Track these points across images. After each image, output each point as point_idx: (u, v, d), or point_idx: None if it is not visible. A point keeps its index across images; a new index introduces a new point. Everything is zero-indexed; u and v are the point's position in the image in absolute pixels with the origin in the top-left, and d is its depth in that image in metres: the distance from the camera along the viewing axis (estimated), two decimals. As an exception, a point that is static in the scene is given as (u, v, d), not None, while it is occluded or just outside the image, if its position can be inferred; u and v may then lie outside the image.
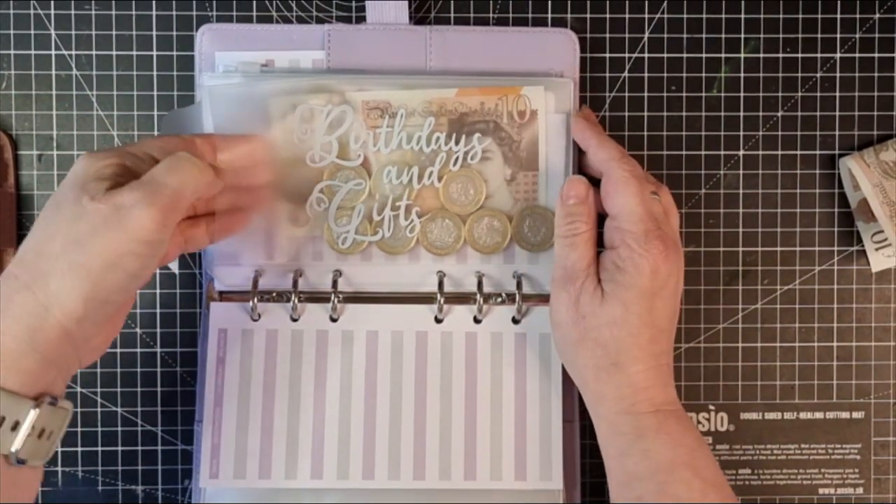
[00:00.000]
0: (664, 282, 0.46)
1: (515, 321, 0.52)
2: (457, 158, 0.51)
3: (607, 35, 0.54)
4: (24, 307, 0.38)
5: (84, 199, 0.39)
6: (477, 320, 0.51)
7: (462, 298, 0.52)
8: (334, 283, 0.51)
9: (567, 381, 0.52)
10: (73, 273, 0.38)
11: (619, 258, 0.46)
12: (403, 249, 0.51)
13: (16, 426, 0.38)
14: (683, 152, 0.54)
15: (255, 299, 0.50)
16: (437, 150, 0.51)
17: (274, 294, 0.51)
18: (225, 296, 0.52)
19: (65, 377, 0.41)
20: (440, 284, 0.51)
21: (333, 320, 0.51)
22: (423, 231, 0.51)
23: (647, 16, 0.54)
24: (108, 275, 0.39)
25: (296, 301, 0.51)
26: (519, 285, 0.51)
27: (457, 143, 0.51)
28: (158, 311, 0.53)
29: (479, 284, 0.51)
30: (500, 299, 0.52)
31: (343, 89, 0.50)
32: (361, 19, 0.53)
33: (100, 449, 0.53)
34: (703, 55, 0.54)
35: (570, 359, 0.48)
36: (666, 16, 0.54)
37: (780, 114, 0.54)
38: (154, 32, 0.53)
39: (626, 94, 0.54)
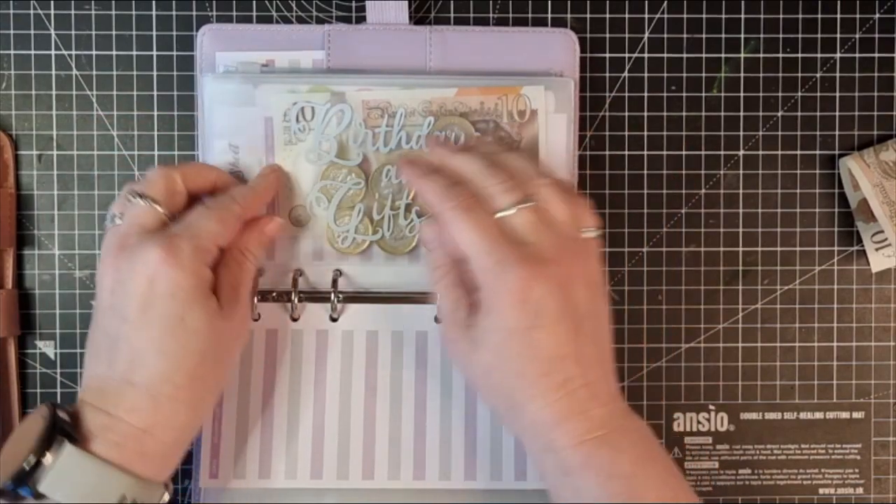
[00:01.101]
0: (537, 307, 0.42)
1: (515, 321, 0.51)
2: None
3: (607, 35, 0.54)
4: (190, 423, 0.44)
5: (216, 322, 0.44)
6: (477, 320, 0.51)
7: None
8: (334, 283, 0.51)
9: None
10: (218, 390, 0.47)
11: (481, 301, 0.43)
12: (404, 249, 0.51)
13: None
14: (683, 152, 0.54)
15: (256, 299, 0.50)
16: None
17: (274, 294, 0.51)
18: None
19: None
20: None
21: (333, 320, 0.51)
22: (424, 230, 0.51)
23: (646, 16, 0.54)
24: (229, 371, 0.48)
25: (295, 301, 0.51)
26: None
27: (456, 143, 0.50)
28: (158, 310, 0.53)
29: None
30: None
31: (343, 90, 0.50)
32: (361, 19, 0.53)
33: (100, 449, 0.53)
34: (703, 55, 0.54)
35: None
36: (666, 16, 0.54)
37: (779, 114, 0.54)
38: (154, 32, 0.53)
39: (626, 94, 0.54)
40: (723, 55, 0.54)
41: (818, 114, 0.54)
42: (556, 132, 0.51)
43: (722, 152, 0.54)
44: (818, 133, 0.54)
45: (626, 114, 0.54)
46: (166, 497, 0.43)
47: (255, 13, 0.53)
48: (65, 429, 0.40)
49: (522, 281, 0.42)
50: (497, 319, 0.42)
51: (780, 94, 0.54)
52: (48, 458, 0.39)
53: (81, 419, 0.41)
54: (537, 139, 0.51)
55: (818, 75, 0.54)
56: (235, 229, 0.46)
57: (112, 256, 0.44)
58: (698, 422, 0.55)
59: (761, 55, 0.54)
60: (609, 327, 0.46)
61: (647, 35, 0.54)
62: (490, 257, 0.42)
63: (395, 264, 0.52)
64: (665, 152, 0.54)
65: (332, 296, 0.51)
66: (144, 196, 0.45)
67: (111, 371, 0.42)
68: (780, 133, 0.54)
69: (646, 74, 0.54)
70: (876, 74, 0.54)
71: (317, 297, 0.51)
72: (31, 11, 0.53)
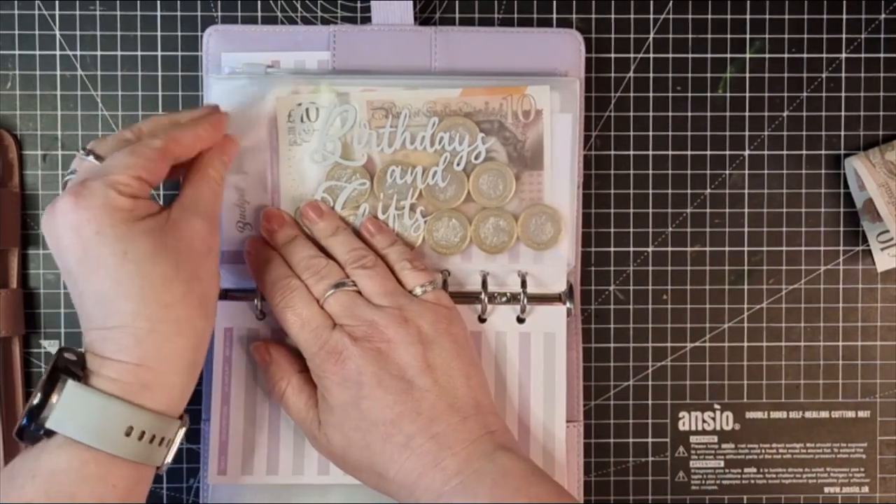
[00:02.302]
0: (357, 380, 0.45)
1: (520, 320, 0.51)
2: (461, 158, 0.50)
3: (612, 35, 0.54)
4: (184, 350, 0.42)
5: (168, 242, 0.42)
6: (481, 319, 0.51)
7: (466, 298, 0.52)
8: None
9: (571, 381, 0.52)
10: (204, 302, 0.44)
11: (319, 390, 0.47)
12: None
13: (168, 443, 0.43)
14: (689, 152, 0.54)
15: (261, 297, 0.50)
16: (441, 150, 0.50)
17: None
18: (230, 294, 0.52)
19: None
20: (444, 284, 0.51)
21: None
22: (429, 230, 0.51)
23: (652, 16, 0.54)
24: (216, 286, 0.45)
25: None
26: (523, 284, 0.51)
27: (460, 143, 0.50)
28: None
29: (484, 283, 0.51)
30: (504, 298, 0.52)
31: (347, 90, 0.50)
32: (366, 20, 0.53)
33: (105, 449, 0.53)
34: (709, 55, 0.54)
35: None
36: (671, 16, 0.54)
37: (785, 114, 0.54)
38: (159, 33, 0.53)
39: (632, 95, 0.54)
40: (728, 55, 0.54)
41: (823, 114, 0.54)
42: (562, 132, 0.51)
43: (727, 152, 0.54)
44: (823, 133, 0.54)
45: (632, 114, 0.54)
46: (182, 430, 0.44)
47: (259, 13, 0.53)
48: (69, 368, 0.41)
49: (336, 363, 0.46)
50: (330, 400, 0.46)
51: (785, 94, 0.54)
52: (55, 397, 0.40)
53: (85, 361, 0.42)
54: (542, 139, 0.51)
55: (824, 75, 0.54)
56: (157, 162, 0.43)
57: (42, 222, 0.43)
58: (703, 421, 0.55)
59: (767, 55, 0.54)
60: (469, 370, 0.47)
61: (652, 35, 0.54)
62: (307, 350, 0.47)
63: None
64: (670, 152, 0.54)
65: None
66: (91, 152, 0.44)
67: (91, 325, 0.42)
68: (785, 133, 0.54)
69: (651, 75, 0.54)
70: (881, 75, 0.54)
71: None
72: (36, 12, 0.53)
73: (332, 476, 0.50)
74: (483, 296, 0.51)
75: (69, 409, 0.40)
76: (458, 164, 0.51)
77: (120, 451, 0.40)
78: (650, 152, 0.54)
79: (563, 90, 0.51)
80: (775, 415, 0.55)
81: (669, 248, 0.54)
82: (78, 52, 0.53)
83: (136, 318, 0.41)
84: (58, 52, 0.53)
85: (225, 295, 0.51)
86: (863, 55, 0.54)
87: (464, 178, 0.51)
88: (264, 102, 0.50)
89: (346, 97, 0.50)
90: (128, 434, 0.40)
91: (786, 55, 0.54)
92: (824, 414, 0.55)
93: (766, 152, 0.54)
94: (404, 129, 0.50)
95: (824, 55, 0.54)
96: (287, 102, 0.50)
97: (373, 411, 0.45)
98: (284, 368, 0.49)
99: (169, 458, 0.44)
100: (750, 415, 0.55)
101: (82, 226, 0.41)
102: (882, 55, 0.54)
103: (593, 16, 0.54)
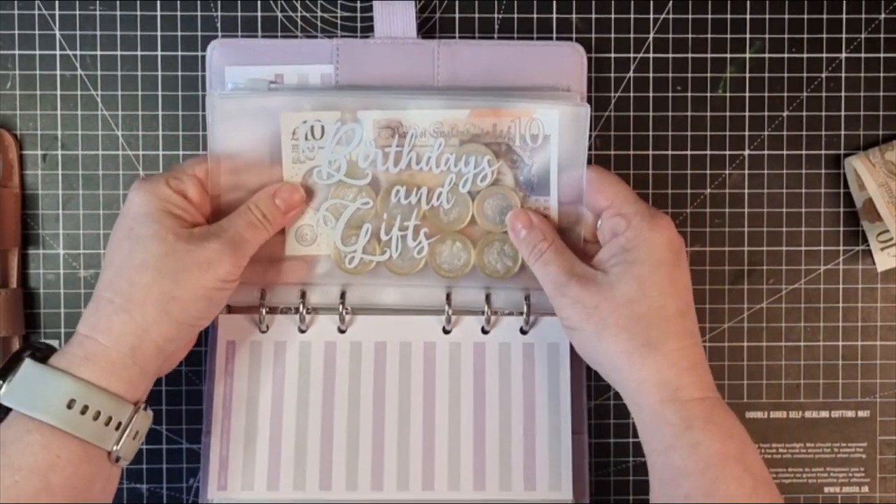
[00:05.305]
0: (679, 252, 0.45)
1: (523, 332, 0.51)
2: (466, 180, 0.50)
3: (612, 35, 0.54)
4: (126, 328, 0.43)
5: (169, 237, 0.44)
6: (485, 331, 0.51)
7: (470, 311, 0.51)
8: (342, 295, 0.51)
9: (576, 391, 0.51)
10: (169, 303, 0.44)
11: (626, 240, 0.45)
12: (412, 271, 0.51)
13: (118, 426, 0.43)
14: (689, 152, 0.54)
15: (263, 310, 0.50)
16: (447, 171, 0.50)
17: (281, 309, 0.51)
18: (233, 308, 0.52)
19: (150, 386, 0.46)
20: (448, 296, 0.51)
21: (342, 331, 0.51)
22: (432, 252, 0.50)
23: (651, 16, 0.54)
24: (198, 304, 0.45)
25: (304, 312, 0.50)
26: (527, 298, 0.51)
27: (466, 164, 0.49)
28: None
29: (488, 298, 0.51)
30: (507, 311, 0.51)
31: (354, 108, 0.49)
32: (367, 28, 0.53)
33: (107, 450, 0.53)
34: (709, 55, 0.54)
35: (598, 354, 0.45)
36: (671, 16, 0.54)
37: (785, 114, 0.54)
38: (159, 33, 0.53)
39: (632, 95, 0.54)
40: (728, 55, 0.54)
41: (823, 114, 0.54)
42: (569, 158, 0.49)
43: (727, 152, 0.54)
44: (823, 133, 0.54)
45: (632, 114, 0.54)
46: (141, 420, 0.44)
47: (259, 14, 0.53)
48: (35, 349, 0.44)
49: (670, 225, 0.46)
50: (647, 252, 0.45)
51: (785, 94, 0.54)
52: (11, 375, 0.42)
53: (52, 350, 0.45)
54: (549, 165, 0.50)
55: (823, 75, 0.54)
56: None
57: None
58: (703, 419, 0.55)
59: (766, 55, 0.54)
60: None
61: (652, 35, 0.54)
62: (643, 203, 0.47)
63: (404, 283, 0.51)
64: (670, 152, 0.54)
65: (340, 306, 0.51)
66: None
67: None
68: (785, 133, 0.54)
69: (651, 75, 0.54)
70: (881, 74, 0.54)
71: (325, 308, 0.51)
72: (36, 12, 0.53)
73: (335, 492, 0.50)
74: (487, 310, 0.51)
75: (19, 383, 0.42)
76: (463, 186, 0.50)
77: (61, 422, 0.41)
78: (650, 152, 0.54)
79: (572, 115, 0.49)
80: (775, 414, 0.55)
81: (670, 249, 0.54)
82: (78, 52, 0.53)
83: (107, 286, 0.44)
84: (58, 52, 0.53)
85: (227, 309, 0.52)
86: (862, 55, 0.54)
87: (469, 200, 0.50)
88: (268, 119, 0.49)
89: (353, 114, 0.49)
90: (70, 406, 0.41)
91: (786, 55, 0.54)
92: (824, 414, 0.55)
93: (765, 152, 0.54)
94: (410, 148, 0.49)
95: (824, 55, 0.54)
96: (292, 120, 0.49)
97: (681, 283, 0.45)
98: (549, 231, 0.48)
99: (123, 445, 0.43)
100: (750, 414, 0.55)
101: (126, 205, 0.46)
102: (882, 55, 0.54)
103: (593, 16, 0.54)
